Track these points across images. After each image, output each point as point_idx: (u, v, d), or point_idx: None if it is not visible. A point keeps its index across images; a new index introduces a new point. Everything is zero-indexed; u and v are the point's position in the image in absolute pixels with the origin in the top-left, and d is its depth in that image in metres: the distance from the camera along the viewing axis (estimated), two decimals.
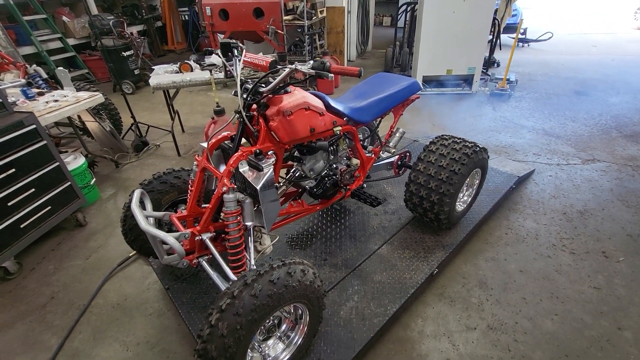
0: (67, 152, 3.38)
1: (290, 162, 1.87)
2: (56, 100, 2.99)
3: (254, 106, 1.54)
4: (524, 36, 7.96)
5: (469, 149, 1.99)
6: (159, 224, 1.72)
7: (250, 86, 1.48)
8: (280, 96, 1.52)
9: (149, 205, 1.62)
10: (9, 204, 2.22)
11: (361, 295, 1.86)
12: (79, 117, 3.84)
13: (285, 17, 5.03)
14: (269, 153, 1.54)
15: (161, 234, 1.25)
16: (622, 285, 2.07)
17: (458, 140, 2.07)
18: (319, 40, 5.70)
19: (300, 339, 1.45)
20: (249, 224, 1.49)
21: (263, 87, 1.46)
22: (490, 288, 2.09)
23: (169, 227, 1.79)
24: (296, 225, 2.39)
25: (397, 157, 2.41)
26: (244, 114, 1.45)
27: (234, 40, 1.65)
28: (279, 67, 1.42)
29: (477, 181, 2.28)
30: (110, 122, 3.87)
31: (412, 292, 1.86)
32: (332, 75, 1.28)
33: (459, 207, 2.23)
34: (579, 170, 3.22)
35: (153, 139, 4.28)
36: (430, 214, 2.09)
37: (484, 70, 5.98)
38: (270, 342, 1.42)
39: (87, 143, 4.16)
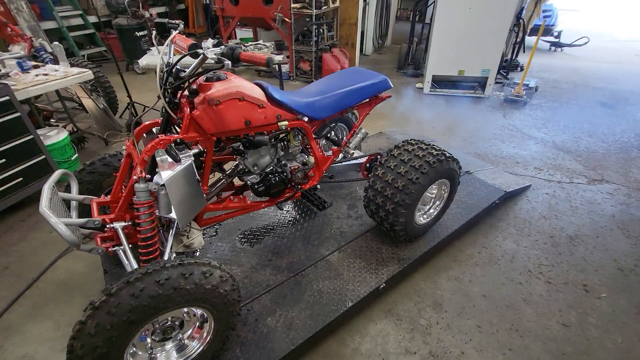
0: (57, 125, 3.47)
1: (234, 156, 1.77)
2: (45, 74, 3.04)
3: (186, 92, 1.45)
4: (557, 40, 7.36)
5: (432, 157, 1.81)
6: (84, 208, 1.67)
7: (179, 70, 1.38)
8: (210, 84, 1.41)
9: (74, 187, 1.57)
10: None
11: (295, 303, 1.74)
12: (76, 93, 3.93)
13: (293, 5, 4.88)
14: (195, 144, 1.45)
15: (52, 219, 1.19)
16: (597, 325, 1.83)
17: (424, 147, 1.88)
18: (329, 31, 5.51)
19: (201, 347, 1.36)
20: (165, 215, 1.41)
21: (184, 72, 1.36)
22: (444, 310, 1.92)
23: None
24: (252, 221, 2.30)
25: (366, 158, 2.25)
26: (163, 99, 1.36)
27: (174, 21, 1.55)
28: (198, 50, 1.30)
29: (446, 194, 2.08)
30: (105, 100, 3.92)
31: (350, 305, 1.72)
32: (229, 62, 1.15)
33: (421, 219, 2.05)
34: (581, 190, 2.91)
35: (149, 119, 4.29)
36: (386, 224, 1.93)
37: (504, 74, 5.59)
38: (168, 345, 1.34)
39: (86, 119, 4.26)
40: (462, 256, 2.26)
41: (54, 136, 2.96)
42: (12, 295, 2.02)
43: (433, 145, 1.93)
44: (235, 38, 6.89)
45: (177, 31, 1.50)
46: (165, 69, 1.37)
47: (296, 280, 1.87)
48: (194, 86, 1.44)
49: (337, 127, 2.60)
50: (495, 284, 2.07)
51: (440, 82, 5.08)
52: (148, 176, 1.36)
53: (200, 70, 1.30)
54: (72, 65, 3.61)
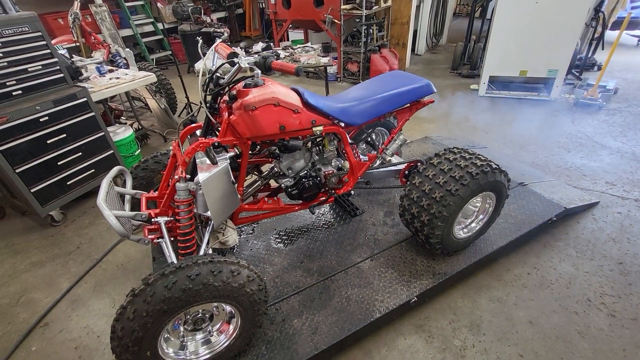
0: (125, 123, 3.88)
1: (271, 159, 1.82)
2: (117, 78, 3.42)
3: (226, 97, 1.53)
4: None
5: (475, 168, 1.68)
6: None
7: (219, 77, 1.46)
8: (248, 90, 1.47)
9: (129, 182, 1.75)
10: (59, 163, 2.64)
11: (322, 308, 1.75)
12: (142, 94, 4.36)
13: (343, 7, 4.88)
14: (232, 147, 1.52)
15: (106, 212, 1.34)
16: None
17: (467, 156, 1.76)
18: (379, 31, 5.40)
19: (228, 341, 1.42)
20: (202, 213, 1.50)
21: (224, 78, 1.43)
22: (482, 333, 1.78)
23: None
24: (288, 221, 2.35)
25: (405, 165, 2.18)
26: (204, 104, 1.44)
27: (219, 30, 1.64)
28: (236, 59, 1.36)
29: (491, 208, 1.92)
30: (166, 101, 4.29)
31: (377, 317, 1.68)
32: (258, 72, 1.18)
33: (461, 233, 1.92)
34: None
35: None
36: (421, 235, 1.84)
37: (577, 74, 5.00)
38: (199, 335, 1.43)
39: (150, 117, 4.71)
40: (508, 276, 2.08)
41: (121, 133, 3.32)
42: (81, 272, 2.32)
43: (478, 154, 1.80)
44: (288, 40, 7.09)
45: (221, 39, 1.59)
46: (207, 76, 1.46)
47: (325, 285, 1.87)
48: (234, 92, 1.51)
49: (377, 131, 2.54)
50: (545, 310, 1.87)
51: (498, 83, 4.71)
52: (188, 176, 1.46)
53: (236, 78, 1.36)
54: (139, 69, 4.01)
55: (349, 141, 1.86)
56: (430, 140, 3.32)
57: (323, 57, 3.76)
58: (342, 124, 1.78)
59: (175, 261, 1.46)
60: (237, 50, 4.02)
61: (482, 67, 4.67)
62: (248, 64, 1.29)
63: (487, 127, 3.89)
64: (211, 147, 1.44)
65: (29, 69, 2.43)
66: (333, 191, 1.93)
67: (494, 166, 1.72)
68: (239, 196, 1.60)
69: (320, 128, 1.66)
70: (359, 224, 2.31)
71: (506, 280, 2.05)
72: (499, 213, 1.96)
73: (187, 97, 4.37)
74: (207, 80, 1.44)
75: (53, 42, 4.51)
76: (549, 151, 3.36)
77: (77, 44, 4.61)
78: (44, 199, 2.60)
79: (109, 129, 3.42)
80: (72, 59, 3.54)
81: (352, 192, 1.97)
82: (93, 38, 4.58)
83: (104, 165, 2.98)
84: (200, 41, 1.70)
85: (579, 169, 3.06)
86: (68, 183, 2.74)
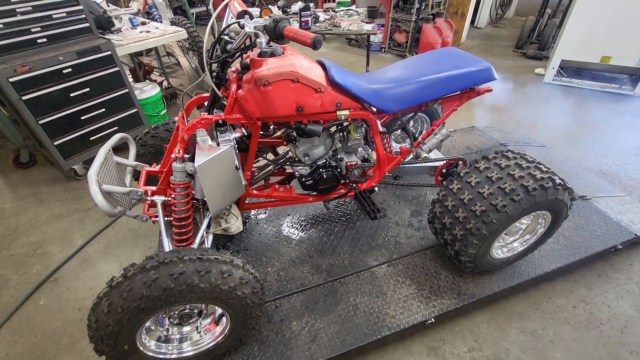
0: (155, 81, 3.78)
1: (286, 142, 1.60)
2: (147, 31, 3.27)
3: (237, 65, 1.30)
4: None
5: (534, 181, 1.35)
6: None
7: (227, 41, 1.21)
8: (262, 59, 1.22)
9: (132, 151, 1.61)
10: (82, 117, 2.59)
11: (326, 313, 1.58)
12: (174, 50, 4.20)
13: None
14: (239, 127, 1.31)
15: (93, 187, 1.20)
16: None
17: (524, 164, 1.42)
18: None
19: (213, 341, 1.30)
20: (200, 198, 1.34)
21: (232, 43, 1.18)
22: None
23: None
24: (303, 207, 2.16)
25: (444, 162, 1.86)
26: (209, 73, 1.22)
27: None
28: (240, 21, 1.09)
29: (542, 229, 1.58)
30: (198, 60, 4.11)
31: (385, 334, 1.49)
32: (262, 41, 0.91)
33: (499, 252, 1.62)
34: None
35: None
36: (451, 250, 1.57)
37: None
38: (185, 328, 1.32)
39: (183, 76, 4.59)
40: (548, 306, 1.77)
41: (148, 91, 3.22)
42: (95, 231, 2.32)
43: (539, 163, 1.45)
44: (333, 1, 6.53)
45: None
46: (214, 40, 1.22)
47: (333, 287, 1.69)
48: (246, 60, 1.27)
49: (417, 117, 2.21)
50: (590, 356, 1.57)
51: (569, 69, 4.02)
52: (187, 156, 1.28)
53: (245, 45, 1.11)
54: (172, 23, 3.82)
55: (380, 129, 1.58)
56: (478, 132, 2.90)
57: (367, 23, 3.34)
58: (374, 109, 1.50)
59: (169, 248, 1.33)
60: (275, 8, 3.65)
61: (554, 48, 3.98)
62: (255, 28, 1.04)
63: (549, 122, 3.35)
64: (214, 126, 1.24)
65: (53, 16, 2.32)
66: (354, 185, 1.69)
67: (557, 181, 1.37)
68: (245, 182, 1.41)
69: (346, 112, 1.39)
70: (381, 221, 2.07)
71: (545, 311, 1.75)
72: (551, 236, 1.62)
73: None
74: (213, 45, 1.21)
75: None
76: (623, 158, 2.82)
77: None
78: (67, 153, 2.59)
79: (137, 85, 3.34)
80: (106, 8, 3.41)
81: (377, 188, 1.71)
82: None
83: (127, 123, 2.91)
84: None
85: None
86: (91, 139, 2.71)
